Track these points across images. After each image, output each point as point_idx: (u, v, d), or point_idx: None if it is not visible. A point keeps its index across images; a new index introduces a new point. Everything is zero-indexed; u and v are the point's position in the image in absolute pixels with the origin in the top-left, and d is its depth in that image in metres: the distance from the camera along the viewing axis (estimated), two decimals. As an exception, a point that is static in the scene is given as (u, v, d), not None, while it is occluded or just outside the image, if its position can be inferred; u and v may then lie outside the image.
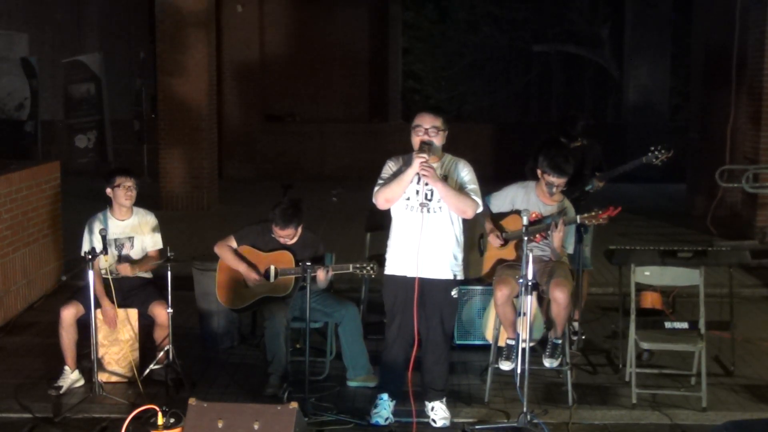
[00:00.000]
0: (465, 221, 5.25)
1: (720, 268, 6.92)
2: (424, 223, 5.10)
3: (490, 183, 5.97)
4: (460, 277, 5.28)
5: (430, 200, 5.12)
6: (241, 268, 5.87)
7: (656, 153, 6.71)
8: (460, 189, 5.14)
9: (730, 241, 9.24)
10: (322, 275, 5.61)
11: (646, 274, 5.80)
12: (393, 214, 5.25)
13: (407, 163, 5.12)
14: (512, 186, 6.00)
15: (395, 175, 5.14)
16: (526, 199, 5.86)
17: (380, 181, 5.19)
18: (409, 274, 5.16)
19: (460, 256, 5.25)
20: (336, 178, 15.14)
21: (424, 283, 5.15)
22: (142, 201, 6.27)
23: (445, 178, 5.14)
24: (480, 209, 5.18)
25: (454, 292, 5.25)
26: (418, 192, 5.14)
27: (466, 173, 5.21)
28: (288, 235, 5.84)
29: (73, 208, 9.16)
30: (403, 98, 19.48)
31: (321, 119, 17.08)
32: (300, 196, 6.07)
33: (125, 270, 5.91)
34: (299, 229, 5.87)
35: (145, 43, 16.66)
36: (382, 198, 5.15)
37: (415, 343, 5.24)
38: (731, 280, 6.39)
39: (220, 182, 13.51)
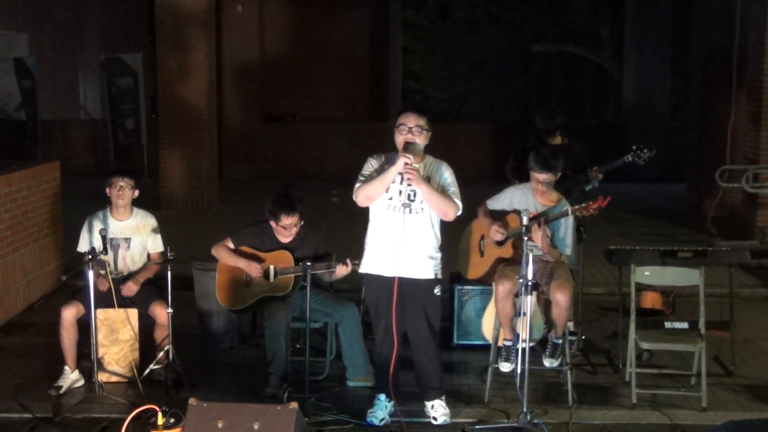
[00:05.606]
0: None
1: (720, 268, 6.91)
2: (405, 224, 5.08)
3: (490, 183, 5.97)
4: (440, 276, 5.29)
5: (412, 201, 5.10)
6: (241, 263, 5.85)
7: (638, 152, 6.67)
8: (442, 191, 5.14)
9: (730, 241, 9.22)
10: (343, 270, 5.65)
11: (646, 274, 5.80)
12: (373, 212, 5.24)
13: (390, 162, 5.12)
14: (509, 189, 5.99)
15: (377, 173, 5.13)
16: (524, 200, 5.84)
17: (361, 178, 5.17)
18: (388, 274, 5.15)
19: (438, 255, 5.25)
20: (336, 178, 15.10)
21: (405, 283, 5.14)
22: (142, 201, 6.26)
23: (428, 180, 5.13)
24: (460, 212, 5.17)
25: (437, 290, 5.25)
26: (401, 192, 5.11)
27: (447, 176, 5.21)
28: (295, 222, 5.82)
29: (73, 209, 9.15)
30: (403, 98, 19.47)
31: (321, 119, 17.08)
32: (300, 196, 6.06)
33: (130, 290, 5.86)
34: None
35: (145, 43, 16.67)
36: (363, 195, 5.13)
37: (395, 342, 5.21)
38: (731, 280, 6.39)
39: (220, 182, 13.50)
